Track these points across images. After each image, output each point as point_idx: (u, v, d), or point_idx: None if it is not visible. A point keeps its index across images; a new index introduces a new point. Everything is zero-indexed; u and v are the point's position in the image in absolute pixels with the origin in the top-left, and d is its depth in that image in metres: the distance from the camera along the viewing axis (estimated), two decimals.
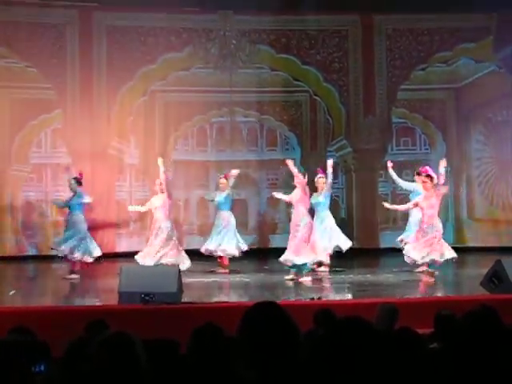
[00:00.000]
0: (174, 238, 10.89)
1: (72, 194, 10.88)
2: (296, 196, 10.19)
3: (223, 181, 11.56)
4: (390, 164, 11.50)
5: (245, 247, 11.46)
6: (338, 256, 11.25)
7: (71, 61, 14.10)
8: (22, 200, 13.98)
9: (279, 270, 10.22)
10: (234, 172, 11.59)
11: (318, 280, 10.31)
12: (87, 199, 11.01)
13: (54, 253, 11.20)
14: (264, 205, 14.68)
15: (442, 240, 9.90)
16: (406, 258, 9.98)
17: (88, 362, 2.48)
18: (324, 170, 11.14)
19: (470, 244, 14.04)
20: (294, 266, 10.04)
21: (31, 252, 13.85)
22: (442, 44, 14.70)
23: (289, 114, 15.07)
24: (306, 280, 9.92)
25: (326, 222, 11.29)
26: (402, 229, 11.74)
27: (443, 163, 10.08)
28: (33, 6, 13.86)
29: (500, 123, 14.75)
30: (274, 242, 14.07)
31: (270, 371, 2.29)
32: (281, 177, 14.88)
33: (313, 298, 7.85)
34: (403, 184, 11.48)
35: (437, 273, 9.91)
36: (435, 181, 9.83)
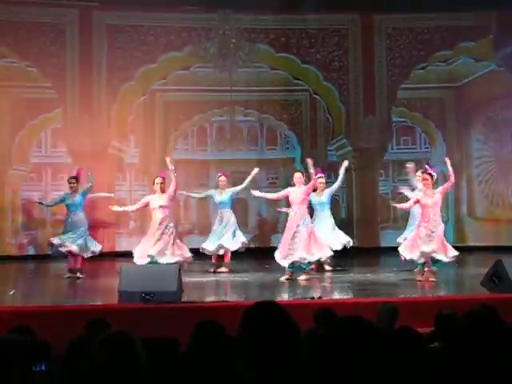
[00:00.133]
0: (177, 240, 10.82)
1: (75, 193, 10.84)
2: (299, 196, 10.11)
3: (223, 179, 11.54)
4: (409, 165, 11.27)
5: (245, 241, 11.43)
6: (338, 255, 11.23)
7: (71, 60, 14.11)
8: (22, 199, 13.98)
9: (279, 270, 10.21)
10: (256, 171, 11.56)
11: (318, 279, 10.31)
12: (88, 187, 10.95)
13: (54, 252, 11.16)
14: (264, 204, 14.67)
15: (443, 239, 9.88)
16: (401, 258, 10.00)
17: (88, 361, 2.48)
18: (323, 170, 11.14)
19: (471, 243, 14.04)
20: (293, 265, 10.02)
21: (31, 251, 13.86)
22: (442, 43, 14.70)
23: (289, 113, 15.07)
24: (302, 279, 9.89)
25: (327, 221, 11.32)
26: (403, 228, 11.73)
27: (448, 161, 10.14)
28: (33, 5, 13.86)
29: (500, 122, 14.75)
30: (275, 241, 14.06)
31: (270, 371, 2.28)
32: (281, 176, 14.89)
33: (313, 298, 7.85)
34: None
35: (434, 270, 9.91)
36: (435, 179, 9.88)
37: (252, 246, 11.82)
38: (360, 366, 2.13)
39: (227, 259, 11.37)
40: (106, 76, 14.22)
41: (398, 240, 11.14)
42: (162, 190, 10.61)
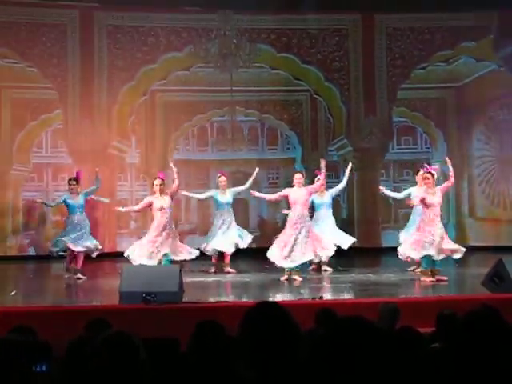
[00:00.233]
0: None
1: (77, 194, 10.84)
2: (302, 197, 10.11)
3: (223, 179, 11.53)
4: (382, 188, 11.46)
5: (249, 239, 11.43)
6: (339, 255, 11.23)
7: (72, 61, 14.11)
8: (23, 200, 13.99)
9: (280, 270, 10.21)
10: (257, 170, 11.61)
11: (319, 279, 10.31)
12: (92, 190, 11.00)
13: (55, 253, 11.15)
14: (264, 204, 14.67)
15: (445, 238, 9.89)
16: (401, 257, 10.03)
17: (89, 362, 2.47)
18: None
19: (472, 243, 14.02)
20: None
21: (32, 252, 13.86)
22: (443, 43, 14.69)
23: (289, 113, 15.08)
24: (299, 279, 9.89)
25: (329, 221, 11.36)
26: (404, 228, 11.74)
27: (449, 161, 10.18)
28: (33, 5, 13.86)
29: (501, 122, 14.74)
30: None
31: (270, 371, 2.28)
32: (281, 176, 14.90)
33: (314, 298, 7.85)
34: (401, 195, 11.43)
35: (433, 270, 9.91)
36: (435, 177, 9.90)
37: (253, 246, 11.79)
38: (361, 366, 2.13)
39: (228, 259, 11.36)
40: (106, 76, 14.23)
41: (400, 236, 11.15)
42: (161, 192, 10.59)
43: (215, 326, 2.85)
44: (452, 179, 10.01)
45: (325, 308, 5.27)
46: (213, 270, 11.25)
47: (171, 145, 14.75)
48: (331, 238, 11.09)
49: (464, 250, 9.89)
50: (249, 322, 2.39)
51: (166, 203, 10.54)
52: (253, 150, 15.08)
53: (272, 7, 13.97)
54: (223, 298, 8.75)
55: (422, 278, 9.77)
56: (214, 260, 11.40)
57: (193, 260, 10.90)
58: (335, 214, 11.85)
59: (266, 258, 10.19)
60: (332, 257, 10.78)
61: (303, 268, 10.25)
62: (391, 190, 14.43)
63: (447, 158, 10.49)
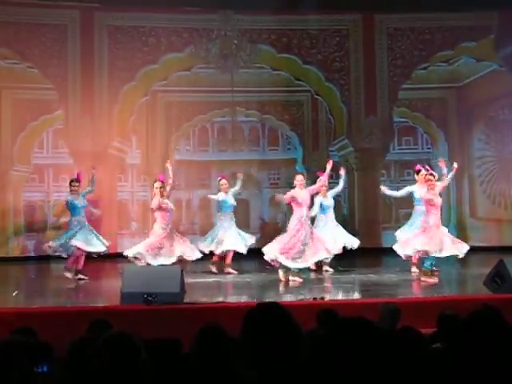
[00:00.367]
0: None
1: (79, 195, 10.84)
2: (308, 198, 10.15)
3: (225, 182, 11.51)
4: (383, 188, 11.46)
5: (252, 241, 11.44)
6: (340, 256, 11.24)
7: (72, 61, 14.11)
8: (23, 200, 14.00)
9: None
10: (240, 175, 11.64)
11: (320, 280, 10.30)
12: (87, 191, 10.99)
13: (52, 253, 11.14)
14: (266, 205, 14.68)
15: (447, 237, 9.94)
16: (403, 255, 10.07)
17: (90, 362, 2.48)
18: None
19: (473, 243, 13.99)
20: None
21: (33, 253, 13.86)
22: (444, 43, 14.69)
23: (290, 113, 15.08)
24: (299, 280, 9.88)
25: (333, 223, 11.39)
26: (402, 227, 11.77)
27: (444, 163, 10.22)
28: (34, 6, 13.86)
29: (502, 122, 14.74)
30: None
31: (271, 371, 2.28)
32: (282, 176, 14.90)
33: (315, 298, 7.85)
34: (401, 193, 11.44)
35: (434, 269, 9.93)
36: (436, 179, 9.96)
37: (254, 246, 11.78)
38: (362, 366, 2.13)
39: (229, 260, 11.35)
40: (107, 77, 14.23)
41: (397, 234, 11.19)
42: (161, 194, 10.67)
43: (217, 329, 2.85)
44: (446, 181, 10.06)
45: (326, 308, 5.27)
46: (214, 269, 11.20)
47: (172, 145, 14.75)
48: (340, 239, 11.17)
49: (468, 247, 9.94)
50: (250, 323, 2.39)
51: (167, 204, 10.66)
52: (254, 150, 15.09)
53: (273, 8, 13.97)
54: (224, 299, 8.74)
55: (423, 278, 9.77)
56: (217, 259, 11.34)
57: (194, 260, 10.92)
58: (336, 215, 11.85)
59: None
60: (333, 257, 10.79)
61: (304, 269, 10.23)
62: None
63: (441, 159, 10.55)
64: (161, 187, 10.68)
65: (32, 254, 13.80)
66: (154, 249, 10.50)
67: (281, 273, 9.99)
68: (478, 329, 2.60)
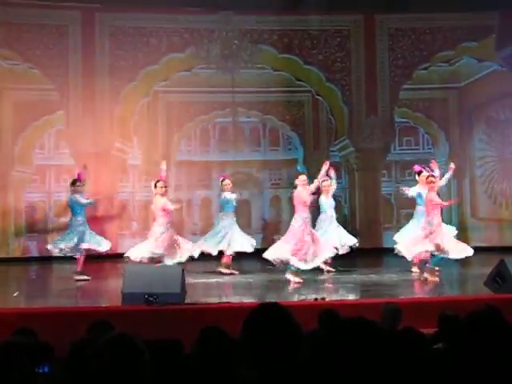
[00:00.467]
0: None
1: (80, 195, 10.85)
2: (310, 198, 10.15)
3: (228, 181, 11.52)
4: (404, 188, 11.36)
5: (253, 244, 11.43)
6: (341, 256, 11.24)
7: (74, 62, 14.11)
8: (25, 201, 14.00)
9: (282, 271, 10.21)
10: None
11: (321, 280, 10.30)
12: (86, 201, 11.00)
13: (61, 254, 11.13)
14: (267, 205, 14.68)
15: (449, 237, 9.97)
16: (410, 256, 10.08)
17: (90, 363, 2.48)
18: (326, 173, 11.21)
19: (474, 243, 13.99)
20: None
21: (34, 253, 13.86)
22: (444, 43, 14.69)
23: (291, 113, 15.07)
24: (298, 280, 9.88)
25: (335, 222, 11.40)
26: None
27: (435, 164, 10.30)
28: (35, 7, 13.86)
29: (503, 122, 14.73)
30: None
31: (272, 371, 2.28)
32: (283, 177, 14.91)
33: (316, 299, 7.85)
34: (411, 194, 11.34)
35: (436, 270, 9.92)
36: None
37: (256, 247, 11.77)
38: (363, 366, 2.13)
39: (228, 259, 11.36)
40: (108, 77, 14.23)
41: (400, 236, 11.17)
42: (163, 194, 10.69)
43: (218, 330, 2.86)
44: (441, 181, 10.13)
45: (328, 309, 5.27)
46: (228, 270, 11.17)
47: (173, 146, 14.75)
48: (344, 238, 11.20)
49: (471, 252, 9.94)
50: (251, 323, 2.39)
51: (168, 205, 10.68)
52: (254, 150, 15.09)
53: (274, 8, 13.97)
54: (226, 299, 8.74)
55: (426, 276, 9.76)
56: (228, 260, 11.30)
57: (194, 261, 10.93)
58: (337, 215, 11.85)
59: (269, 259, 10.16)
60: (333, 257, 10.79)
61: (312, 269, 10.22)
62: (393, 191, 14.50)
63: (432, 160, 10.64)
64: (164, 186, 10.71)
65: (33, 255, 13.81)
66: (171, 248, 10.51)
67: (289, 274, 9.94)
68: (480, 329, 2.60)
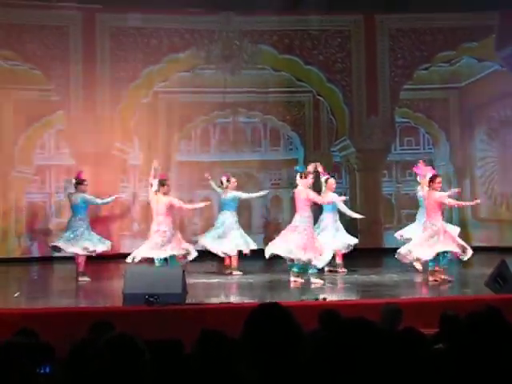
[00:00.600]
0: None
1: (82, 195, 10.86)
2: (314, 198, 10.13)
3: (233, 179, 11.53)
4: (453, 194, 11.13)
5: (253, 246, 11.41)
6: (343, 256, 11.24)
7: (74, 62, 14.12)
8: (25, 202, 14.00)
9: (283, 271, 10.21)
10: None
11: (322, 280, 10.30)
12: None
13: (61, 254, 11.13)
14: (268, 205, 14.67)
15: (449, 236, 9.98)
16: (413, 260, 10.05)
17: (91, 364, 2.48)
18: (326, 172, 11.20)
19: (474, 244, 14.00)
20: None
21: (35, 254, 13.87)
22: (445, 43, 14.68)
23: (292, 114, 15.07)
24: (300, 281, 9.87)
25: (338, 222, 11.38)
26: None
27: (423, 164, 10.39)
28: (35, 7, 13.87)
29: (503, 122, 14.72)
30: None
31: (272, 372, 2.28)
32: (284, 177, 14.90)
33: (317, 299, 7.85)
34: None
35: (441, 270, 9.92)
36: None
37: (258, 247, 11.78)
38: (363, 367, 2.13)
39: (228, 260, 11.35)
40: (109, 78, 14.24)
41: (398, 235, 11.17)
42: (166, 193, 10.70)
43: (219, 331, 2.86)
44: (446, 201, 10.13)
45: (328, 309, 5.27)
46: (237, 272, 11.18)
47: (173, 146, 14.75)
48: (346, 238, 11.19)
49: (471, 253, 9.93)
50: (251, 323, 2.39)
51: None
52: (255, 151, 15.09)
53: (274, 9, 13.97)
54: (226, 299, 8.75)
55: (440, 275, 9.73)
56: (236, 261, 11.30)
57: (195, 261, 10.91)
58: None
59: (270, 259, 10.15)
60: (333, 258, 10.79)
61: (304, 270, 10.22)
62: (394, 192, 14.53)
63: (421, 161, 10.78)
64: (167, 185, 10.76)
65: (34, 255, 13.81)
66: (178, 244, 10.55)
67: (293, 275, 9.92)
68: (480, 329, 2.60)
